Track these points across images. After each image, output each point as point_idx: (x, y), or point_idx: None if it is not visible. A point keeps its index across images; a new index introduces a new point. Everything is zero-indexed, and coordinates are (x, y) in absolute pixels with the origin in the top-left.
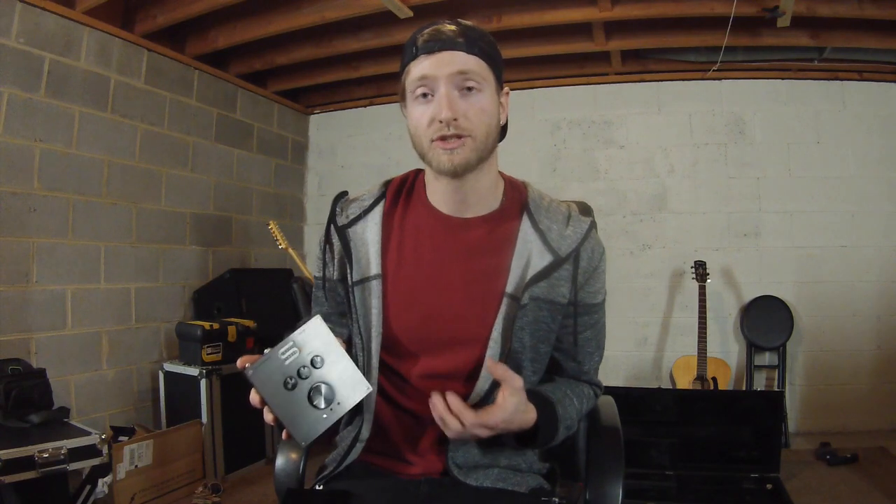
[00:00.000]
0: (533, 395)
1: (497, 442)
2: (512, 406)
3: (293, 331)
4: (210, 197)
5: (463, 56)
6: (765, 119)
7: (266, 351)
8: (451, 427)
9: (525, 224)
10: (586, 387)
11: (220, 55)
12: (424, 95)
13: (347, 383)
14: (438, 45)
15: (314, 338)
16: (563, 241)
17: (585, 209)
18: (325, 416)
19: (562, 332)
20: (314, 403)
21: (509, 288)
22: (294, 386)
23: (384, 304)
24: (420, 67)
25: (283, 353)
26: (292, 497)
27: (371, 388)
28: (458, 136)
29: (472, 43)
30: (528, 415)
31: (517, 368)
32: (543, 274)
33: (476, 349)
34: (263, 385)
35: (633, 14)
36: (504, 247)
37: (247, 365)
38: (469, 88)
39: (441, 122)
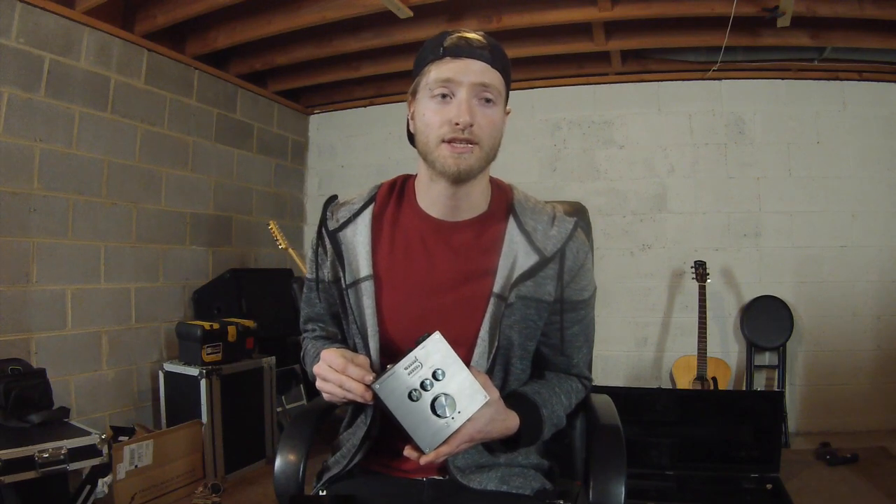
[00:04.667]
0: (517, 398)
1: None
2: (484, 419)
3: (413, 347)
4: (210, 197)
5: (487, 68)
6: (765, 119)
7: (388, 367)
8: (435, 460)
9: (511, 226)
10: (575, 381)
11: (220, 55)
12: (444, 96)
13: (466, 393)
14: (466, 51)
15: (434, 352)
16: (548, 241)
17: (579, 210)
18: (446, 424)
19: (549, 329)
20: (437, 413)
21: (496, 288)
22: (418, 398)
23: (378, 304)
24: (444, 69)
25: (406, 368)
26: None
27: (489, 398)
28: (469, 142)
29: (496, 58)
30: (507, 422)
31: (506, 365)
32: (529, 273)
33: (466, 348)
34: (390, 397)
35: (633, 14)
36: (491, 248)
37: (370, 379)
38: (487, 100)
39: (458, 124)
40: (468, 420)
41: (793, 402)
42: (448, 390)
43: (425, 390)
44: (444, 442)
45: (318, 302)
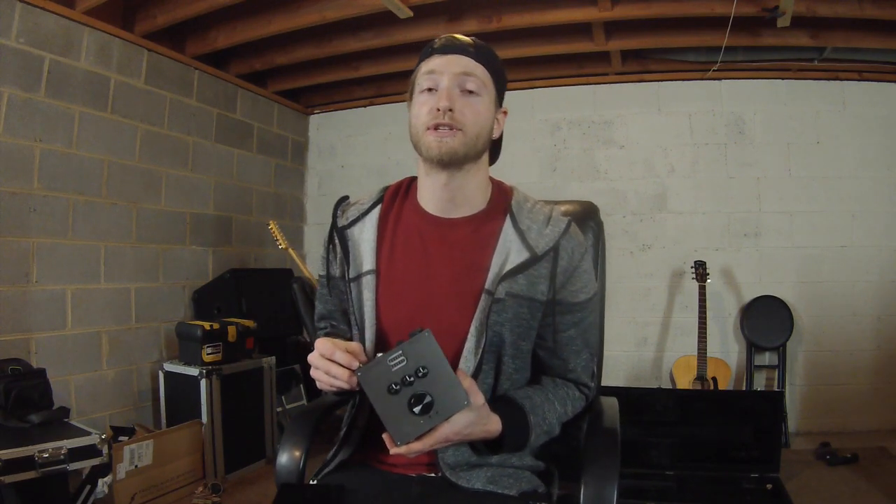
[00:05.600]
0: (506, 403)
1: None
2: (461, 423)
3: (404, 341)
4: (210, 197)
5: (471, 61)
6: (765, 119)
7: (378, 355)
8: (406, 454)
9: (507, 224)
10: (572, 388)
11: (220, 55)
12: (430, 90)
13: (447, 396)
14: (450, 48)
15: (422, 349)
16: (540, 240)
17: (589, 209)
18: (421, 422)
19: (543, 330)
20: (413, 410)
21: (487, 284)
22: (397, 392)
23: (377, 297)
24: (431, 64)
25: (391, 361)
26: (286, 491)
27: (469, 404)
28: (451, 127)
29: (480, 53)
30: (488, 427)
31: (497, 363)
32: (518, 269)
33: (456, 342)
34: (370, 386)
35: (633, 14)
36: (486, 245)
37: (357, 366)
38: (470, 91)
39: (439, 110)
40: (445, 421)
41: (793, 402)
42: (428, 389)
43: (406, 385)
44: (417, 439)
45: (329, 298)
